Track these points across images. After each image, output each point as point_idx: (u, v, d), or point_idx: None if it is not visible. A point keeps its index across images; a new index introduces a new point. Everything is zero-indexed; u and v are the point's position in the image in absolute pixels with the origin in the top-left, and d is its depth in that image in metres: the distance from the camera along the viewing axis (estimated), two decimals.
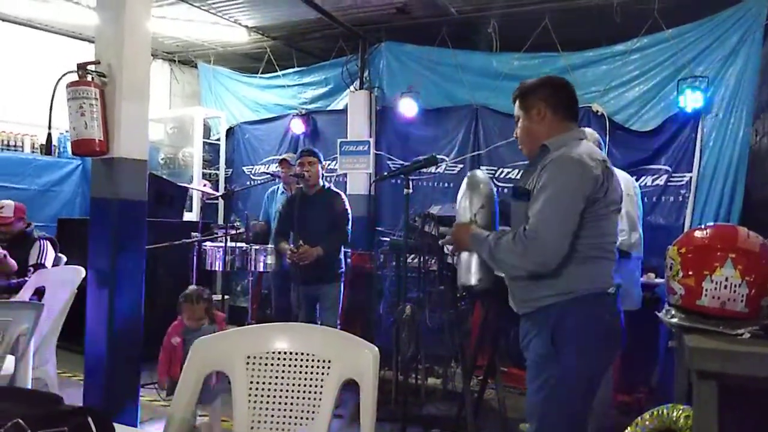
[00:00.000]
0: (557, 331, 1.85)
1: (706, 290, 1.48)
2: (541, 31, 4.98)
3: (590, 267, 1.85)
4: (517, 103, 2.06)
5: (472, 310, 4.20)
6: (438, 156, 2.75)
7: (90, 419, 1.00)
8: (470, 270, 2.22)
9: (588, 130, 2.91)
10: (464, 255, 2.25)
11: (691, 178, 4.54)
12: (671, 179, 4.64)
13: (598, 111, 4.85)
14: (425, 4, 5.27)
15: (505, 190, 4.95)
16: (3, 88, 6.14)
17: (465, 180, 2.31)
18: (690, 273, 1.53)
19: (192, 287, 3.31)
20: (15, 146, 6.27)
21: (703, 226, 1.63)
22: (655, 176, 4.69)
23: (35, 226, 4.45)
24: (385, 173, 4.07)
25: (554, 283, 1.85)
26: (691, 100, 4.37)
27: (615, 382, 3.48)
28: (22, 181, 6.09)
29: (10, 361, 2.41)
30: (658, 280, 3.99)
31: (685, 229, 4.56)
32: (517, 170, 5.20)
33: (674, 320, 1.57)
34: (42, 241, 4.26)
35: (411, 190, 2.37)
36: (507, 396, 3.39)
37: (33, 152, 6.36)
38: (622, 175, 2.70)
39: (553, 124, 1.98)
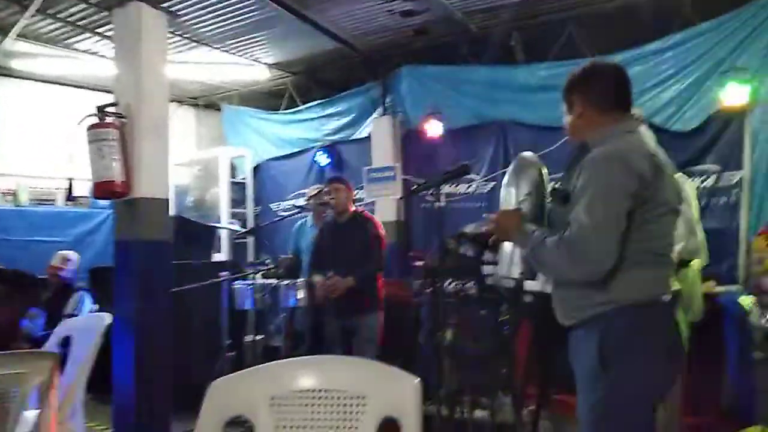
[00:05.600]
0: (604, 346, 1.64)
1: None
2: (567, 39, 4.81)
3: (638, 274, 1.64)
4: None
5: (516, 334, 3.93)
6: (468, 164, 2.56)
7: None
8: (513, 261, 1.96)
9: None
10: (507, 246, 2.00)
11: (743, 175, 4.23)
12: (720, 179, 4.35)
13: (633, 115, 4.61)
14: (443, 23, 5.17)
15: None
16: (32, 145, 6.28)
17: (513, 163, 2.08)
18: None
19: None
20: (47, 200, 6.36)
21: None
22: (703, 177, 4.39)
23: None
24: (417, 185, 3.90)
25: (596, 292, 1.64)
26: (735, 94, 4.10)
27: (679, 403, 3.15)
28: (58, 233, 6.14)
29: (31, 416, 2.28)
30: (719, 289, 3.65)
31: (741, 231, 4.25)
32: (553, 182, 4.96)
33: None
34: (81, 293, 4.27)
35: (442, 203, 2.19)
36: (564, 424, 3.10)
37: (66, 204, 6.44)
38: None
39: (595, 118, 1.81)
